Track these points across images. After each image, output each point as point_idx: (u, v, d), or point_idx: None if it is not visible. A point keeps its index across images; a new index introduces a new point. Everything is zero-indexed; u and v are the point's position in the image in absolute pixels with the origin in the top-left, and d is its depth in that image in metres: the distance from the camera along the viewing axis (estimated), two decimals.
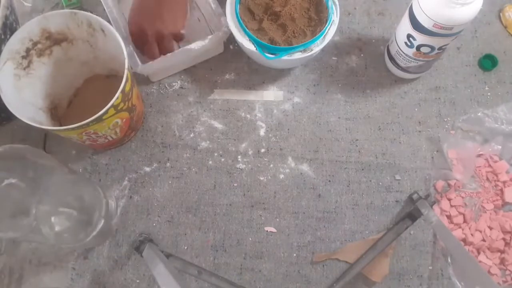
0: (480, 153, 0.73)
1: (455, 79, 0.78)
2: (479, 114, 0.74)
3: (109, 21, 0.68)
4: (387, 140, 0.74)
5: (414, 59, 0.70)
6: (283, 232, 0.70)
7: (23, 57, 0.63)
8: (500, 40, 0.80)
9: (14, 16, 0.66)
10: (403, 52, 0.70)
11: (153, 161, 0.73)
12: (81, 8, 0.62)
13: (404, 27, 0.67)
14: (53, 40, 0.65)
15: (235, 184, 0.72)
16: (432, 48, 0.66)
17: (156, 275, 0.57)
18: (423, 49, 0.67)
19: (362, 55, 0.79)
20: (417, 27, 0.64)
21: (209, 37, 0.70)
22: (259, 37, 0.70)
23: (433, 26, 0.62)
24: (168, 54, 0.70)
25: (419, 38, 0.65)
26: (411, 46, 0.68)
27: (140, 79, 0.77)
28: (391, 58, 0.75)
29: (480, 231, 0.69)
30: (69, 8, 0.74)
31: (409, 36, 0.67)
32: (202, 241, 0.69)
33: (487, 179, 0.72)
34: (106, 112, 0.58)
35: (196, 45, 0.70)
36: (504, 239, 0.68)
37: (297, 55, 0.69)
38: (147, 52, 0.72)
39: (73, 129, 0.57)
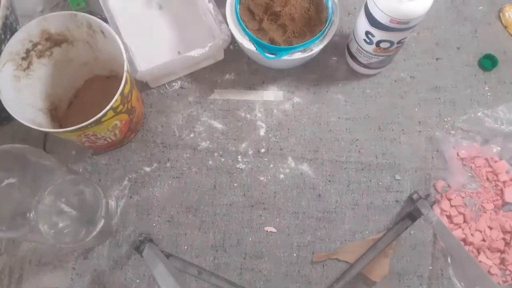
0: (480, 153, 0.72)
1: (455, 79, 0.78)
2: (479, 114, 0.74)
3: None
4: (387, 140, 0.74)
5: (375, 55, 0.70)
6: (283, 232, 0.70)
7: (23, 58, 0.63)
8: (500, 40, 0.80)
9: (14, 16, 0.66)
10: (363, 49, 0.70)
11: (153, 161, 0.73)
12: (90, 13, 0.63)
13: (362, 25, 0.67)
14: (53, 41, 0.65)
15: (235, 184, 0.72)
16: (391, 42, 0.66)
17: (156, 275, 0.58)
18: (382, 45, 0.67)
19: None
20: (374, 23, 0.64)
21: (209, 44, 0.70)
22: (259, 37, 0.70)
23: (389, 22, 0.62)
24: (168, 61, 0.70)
25: (378, 34, 0.65)
26: (370, 43, 0.68)
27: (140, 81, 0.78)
28: (352, 56, 0.75)
29: (480, 231, 0.69)
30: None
31: (367, 33, 0.67)
32: (202, 241, 0.70)
33: (487, 179, 0.72)
34: (105, 114, 0.58)
35: (195, 53, 0.70)
36: (504, 239, 0.68)
37: (297, 55, 0.70)
38: None
39: (71, 131, 0.57)
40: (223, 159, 0.73)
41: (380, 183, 0.72)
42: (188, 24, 0.78)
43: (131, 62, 0.69)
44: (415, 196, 0.68)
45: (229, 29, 0.71)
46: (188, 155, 0.74)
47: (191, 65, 0.74)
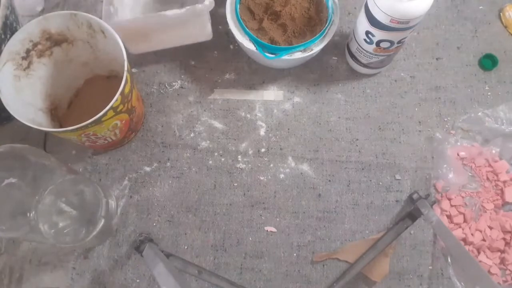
0: (480, 153, 0.72)
1: (455, 79, 0.78)
2: (479, 114, 0.74)
3: None
4: (387, 140, 0.74)
5: (375, 55, 0.70)
6: (283, 231, 0.70)
7: (23, 58, 0.63)
8: (500, 40, 0.80)
9: (14, 16, 0.66)
10: (364, 49, 0.71)
11: (153, 161, 0.73)
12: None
13: (362, 25, 0.67)
14: (54, 41, 0.65)
15: (235, 184, 0.72)
16: (392, 42, 0.67)
17: (156, 274, 0.57)
18: (382, 45, 0.67)
19: None
20: (374, 23, 0.64)
21: (187, 7, 0.67)
22: (259, 36, 0.70)
23: (390, 21, 0.62)
24: (141, 16, 0.67)
25: (378, 34, 0.66)
26: (370, 43, 0.68)
27: (141, 79, 0.78)
28: (352, 56, 0.75)
29: (480, 231, 0.69)
30: None
31: (367, 33, 0.67)
32: (202, 240, 0.69)
33: (487, 179, 0.72)
34: (105, 114, 0.58)
35: (171, 12, 0.67)
36: (504, 238, 0.68)
37: (297, 55, 0.70)
38: None
39: (71, 131, 0.57)
40: (223, 159, 0.73)
41: (380, 183, 0.72)
42: (184, 3, 0.77)
43: (110, 14, 0.67)
44: (415, 196, 0.68)
45: None
46: (188, 154, 0.74)
47: (168, 31, 0.72)
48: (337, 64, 0.79)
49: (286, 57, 0.69)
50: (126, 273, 0.68)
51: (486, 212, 0.70)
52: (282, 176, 0.72)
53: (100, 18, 0.63)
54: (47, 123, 0.67)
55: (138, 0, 0.77)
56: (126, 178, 0.72)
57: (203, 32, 0.75)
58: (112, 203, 0.69)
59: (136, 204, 0.71)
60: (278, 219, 0.70)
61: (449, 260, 0.68)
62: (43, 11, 0.81)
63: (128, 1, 0.76)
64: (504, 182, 0.71)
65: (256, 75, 0.78)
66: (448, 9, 0.82)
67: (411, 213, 0.67)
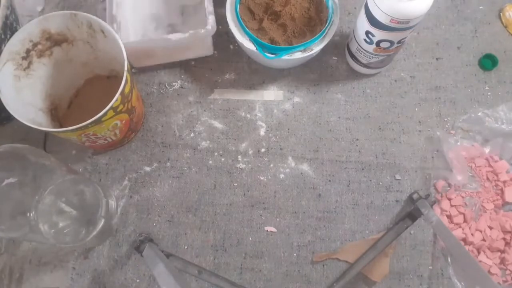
0: (480, 153, 0.72)
1: (455, 79, 0.78)
2: (479, 113, 0.74)
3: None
4: (387, 140, 0.74)
5: (375, 55, 0.70)
6: (283, 231, 0.70)
7: (23, 58, 0.63)
8: (500, 40, 0.80)
9: (14, 16, 0.66)
10: (363, 49, 0.71)
11: (153, 161, 0.73)
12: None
13: (362, 24, 0.67)
14: (54, 41, 0.65)
15: (235, 184, 0.72)
16: (392, 42, 0.67)
17: (156, 274, 0.57)
18: (382, 45, 0.67)
19: None
20: (374, 23, 0.64)
21: (190, 31, 0.69)
22: (259, 36, 0.70)
23: (390, 21, 0.62)
24: (147, 38, 0.71)
25: (378, 34, 0.66)
26: (370, 43, 0.68)
27: (141, 79, 0.78)
28: (352, 56, 0.75)
29: (480, 231, 0.69)
30: None
31: (367, 32, 0.67)
32: (202, 240, 0.69)
33: (487, 179, 0.72)
34: (105, 114, 0.58)
35: (174, 36, 0.69)
36: (504, 238, 0.68)
37: (297, 55, 0.70)
38: None
39: (71, 131, 0.57)
40: (223, 159, 0.73)
41: (380, 183, 0.72)
42: (184, 10, 0.79)
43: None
44: (415, 196, 0.68)
45: (215, 21, 0.70)
46: (188, 154, 0.74)
47: (172, 50, 0.74)
48: (337, 64, 0.79)
49: (286, 57, 0.69)
50: (126, 273, 0.68)
51: (486, 212, 0.70)
52: (282, 176, 0.72)
53: (100, 18, 0.63)
54: (47, 123, 0.67)
55: (141, 15, 0.79)
56: (126, 178, 0.72)
57: (204, 48, 0.78)
58: (112, 203, 0.69)
59: (136, 204, 0.71)
60: (278, 219, 0.70)
61: (449, 260, 0.68)
62: (43, 11, 0.81)
63: (131, 17, 0.77)
64: (504, 182, 0.71)
65: (256, 75, 0.78)
66: (448, 9, 0.82)
67: (411, 213, 0.67)
